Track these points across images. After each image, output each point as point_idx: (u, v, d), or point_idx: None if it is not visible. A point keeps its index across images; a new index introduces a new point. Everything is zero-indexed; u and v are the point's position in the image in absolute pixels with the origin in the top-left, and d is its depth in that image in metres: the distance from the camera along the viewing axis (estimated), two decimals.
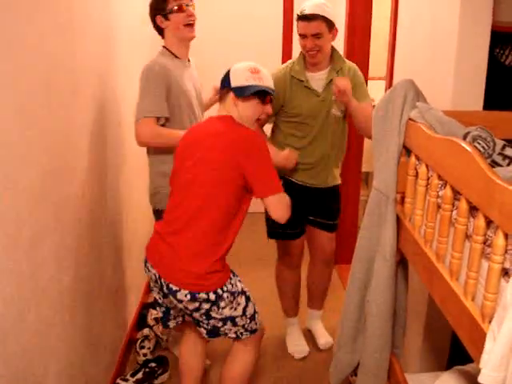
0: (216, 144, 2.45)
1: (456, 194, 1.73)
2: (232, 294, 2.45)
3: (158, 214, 3.03)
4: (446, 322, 1.81)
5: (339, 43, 4.55)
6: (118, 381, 3.17)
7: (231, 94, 2.54)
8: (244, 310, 2.51)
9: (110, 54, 3.10)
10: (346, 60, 3.27)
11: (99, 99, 2.85)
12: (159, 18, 2.96)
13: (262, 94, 2.56)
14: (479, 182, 1.52)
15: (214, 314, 2.44)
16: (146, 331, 3.56)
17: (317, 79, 3.18)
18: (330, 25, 3.02)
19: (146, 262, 2.58)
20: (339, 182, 3.48)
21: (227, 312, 2.45)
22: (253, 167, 2.40)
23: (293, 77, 3.17)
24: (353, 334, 2.55)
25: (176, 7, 2.91)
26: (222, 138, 2.46)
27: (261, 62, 2.70)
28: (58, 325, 2.26)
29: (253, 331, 2.59)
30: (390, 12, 3.41)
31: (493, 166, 1.76)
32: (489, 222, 1.53)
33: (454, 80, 2.52)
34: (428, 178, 1.97)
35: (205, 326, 2.50)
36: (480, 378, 1.40)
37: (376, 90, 4.87)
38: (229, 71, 2.58)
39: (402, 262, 2.37)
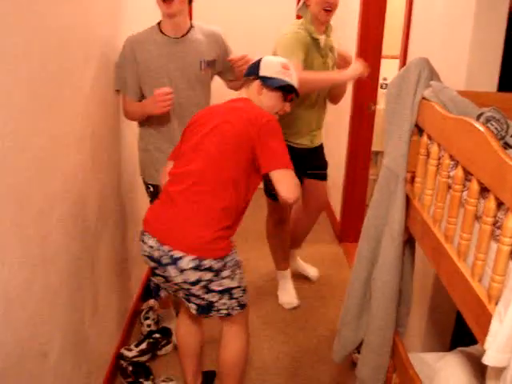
0: (232, 117, 2.48)
1: (467, 174, 1.71)
2: (235, 263, 2.46)
3: (145, 185, 3.19)
4: (450, 302, 1.81)
5: (353, 21, 4.52)
6: (122, 350, 3.20)
7: (258, 82, 2.63)
8: (240, 281, 2.51)
9: (120, 23, 3.08)
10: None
11: (111, 67, 2.85)
12: None
13: (286, 91, 2.66)
14: (491, 163, 1.51)
15: (213, 286, 2.41)
16: (151, 302, 3.59)
17: (321, 41, 3.43)
18: None
19: (142, 234, 2.49)
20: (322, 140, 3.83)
21: (227, 283, 2.44)
22: (263, 142, 2.42)
23: (311, 37, 3.35)
24: (357, 312, 2.56)
25: None
26: (238, 112, 2.51)
27: None
28: (64, 293, 2.27)
29: (243, 305, 2.58)
30: None
31: (505, 148, 1.74)
32: (499, 204, 1.52)
33: (469, 60, 2.49)
34: (439, 158, 1.95)
35: (198, 301, 2.47)
36: (485, 359, 1.40)
37: (390, 68, 4.83)
38: (260, 60, 2.68)
39: (409, 242, 2.36)
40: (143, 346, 3.27)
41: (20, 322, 1.85)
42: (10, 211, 1.74)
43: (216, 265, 2.36)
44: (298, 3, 5.45)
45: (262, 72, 2.63)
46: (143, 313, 3.50)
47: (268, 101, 2.64)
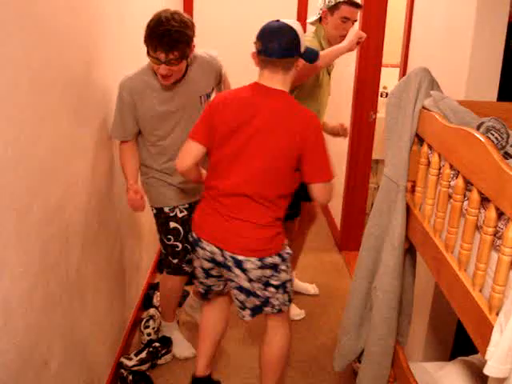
0: (276, 126, 2.38)
1: (468, 184, 1.72)
2: (288, 255, 2.58)
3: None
4: (451, 312, 1.81)
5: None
6: (122, 359, 3.19)
7: (301, 61, 2.43)
8: (290, 274, 2.62)
9: (124, 33, 3.09)
10: None
11: (112, 76, 2.85)
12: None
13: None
14: (492, 173, 1.51)
15: (272, 281, 2.53)
16: (151, 311, 3.58)
17: None
18: None
19: (197, 242, 2.60)
20: None
21: (284, 276, 2.55)
22: (310, 151, 2.39)
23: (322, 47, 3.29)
24: (358, 321, 2.56)
25: (150, 58, 2.66)
26: (282, 119, 2.40)
27: None
28: (65, 302, 2.27)
29: (291, 300, 2.70)
30: None
31: (506, 158, 1.75)
32: (500, 214, 1.53)
33: (469, 70, 2.50)
34: (440, 168, 1.95)
35: (254, 301, 2.58)
36: (486, 370, 1.40)
37: (390, 77, 4.84)
38: (294, 34, 2.36)
39: (410, 251, 2.36)
40: (143, 355, 3.26)
41: (21, 331, 1.85)
42: (11, 221, 1.74)
43: (276, 260, 2.50)
44: (298, 4, 5.52)
45: (302, 48, 2.42)
46: (143, 322, 3.49)
47: (302, 75, 2.81)
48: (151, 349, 3.31)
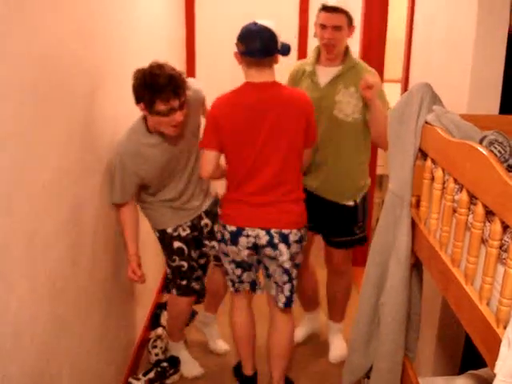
0: (288, 112, 2.73)
1: (472, 198, 1.72)
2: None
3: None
4: (459, 326, 1.81)
5: (354, 45, 4.54)
6: (130, 380, 3.19)
7: (277, 56, 2.75)
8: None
9: (126, 55, 3.11)
10: (360, 61, 3.24)
11: (117, 99, 2.87)
12: (142, 106, 2.67)
13: None
14: (496, 186, 1.51)
15: (297, 259, 2.91)
16: (158, 331, 3.58)
17: (325, 73, 3.14)
18: (350, 20, 3.04)
19: (239, 232, 2.84)
20: (349, 202, 3.29)
21: (300, 257, 2.95)
22: (309, 126, 2.80)
23: (304, 69, 3.21)
24: (366, 337, 2.55)
25: (163, 113, 2.63)
26: (288, 104, 2.74)
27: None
28: (73, 324, 2.27)
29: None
30: (406, 14, 3.40)
31: (509, 171, 1.75)
32: (505, 227, 1.53)
33: (471, 84, 2.50)
34: (444, 182, 1.96)
35: (289, 283, 2.92)
36: None
37: (392, 92, 4.85)
38: (271, 34, 2.67)
39: (416, 265, 2.36)
40: (151, 375, 3.26)
41: (30, 355, 1.85)
42: (19, 245, 1.75)
43: (303, 233, 2.89)
44: (300, 6, 5.51)
45: (279, 45, 2.73)
46: (151, 341, 3.49)
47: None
48: (159, 369, 3.30)
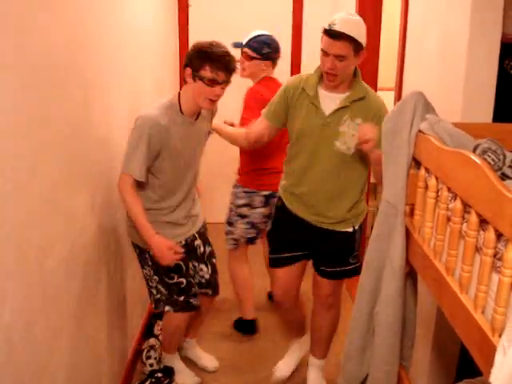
0: None
1: (466, 206, 1.72)
2: None
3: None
4: (454, 334, 1.80)
5: None
6: None
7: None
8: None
9: (120, 63, 3.11)
10: (369, 90, 2.91)
11: (109, 109, 2.86)
12: (188, 71, 2.74)
13: None
14: (489, 195, 1.51)
15: None
16: (152, 341, 3.56)
17: (329, 100, 2.81)
18: (358, 47, 2.64)
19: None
20: (348, 228, 3.02)
21: None
22: None
23: (303, 89, 2.84)
24: (361, 346, 2.54)
25: (207, 80, 2.69)
26: None
27: None
28: (66, 335, 2.26)
29: None
30: (400, 22, 3.41)
31: (503, 179, 1.76)
32: (499, 235, 1.53)
33: (464, 92, 2.52)
34: (438, 191, 1.96)
35: None
36: None
37: (386, 100, 4.86)
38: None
39: (411, 274, 2.36)
40: None
41: (22, 365, 1.84)
42: (12, 253, 1.74)
43: None
44: (293, 5, 5.53)
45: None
46: (144, 352, 3.47)
47: None
48: (153, 379, 3.28)
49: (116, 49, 3.00)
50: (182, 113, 2.84)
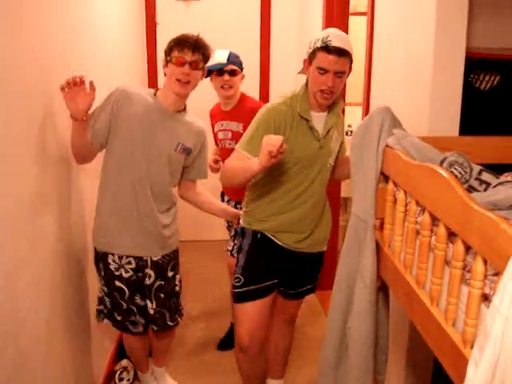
0: None
1: (434, 219, 1.73)
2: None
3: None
4: (427, 347, 1.81)
5: None
6: None
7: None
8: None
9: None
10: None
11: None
12: (164, 61, 2.78)
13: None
14: (457, 207, 1.53)
15: None
16: (124, 362, 3.51)
17: (318, 120, 2.71)
18: (351, 62, 2.62)
19: None
20: (324, 247, 3.02)
21: None
22: None
23: (300, 116, 2.65)
24: (335, 362, 2.53)
25: (174, 59, 2.70)
26: None
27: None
28: (36, 357, 2.22)
29: None
30: (366, 38, 3.44)
31: (470, 192, 1.77)
32: (468, 248, 1.54)
33: (430, 106, 2.54)
34: (406, 204, 1.97)
35: None
36: None
37: (353, 115, 4.91)
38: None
39: (382, 288, 2.37)
40: None
41: None
42: None
43: None
44: (261, 12, 5.56)
45: None
46: (117, 374, 3.43)
47: None
48: None
49: (83, 69, 2.98)
50: (154, 95, 2.85)
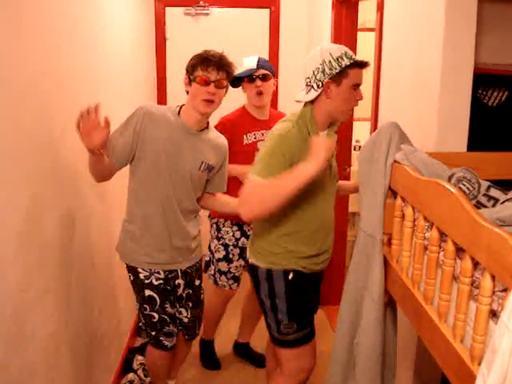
0: None
1: (442, 235, 1.73)
2: None
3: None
4: (435, 363, 1.80)
5: None
6: None
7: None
8: None
9: (97, 99, 3.11)
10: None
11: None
12: (186, 79, 2.74)
13: None
14: (465, 223, 1.52)
15: None
16: (130, 376, 3.51)
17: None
18: None
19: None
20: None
21: None
22: None
23: (309, 135, 2.49)
24: (342, 377, 2.52)
25: (199, 78, 2.65)
26: None
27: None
28: (42, 371, 2.22)
29: None
30: (374, 54, 3.45)
31: (478, 207, 1.77)
32: (476, 264, 1.54)
33: (438, 122, 2.54)
34: (414, 220, 1.97)
35: None
36: None
37: (362, 130, 4.91)
38: None
39: (390, 304, 2.36)
40: None
41: None
42: None
43: None
44: (270, 27, 5.55)
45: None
46: None
47: None
48: None
49: (94, 83, 3.00)
50: (178, 114, 2.78)
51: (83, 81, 2.81)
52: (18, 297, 1.96)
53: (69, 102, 2.57)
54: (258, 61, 3.41)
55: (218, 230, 3.60)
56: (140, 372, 3.53)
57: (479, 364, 1.46)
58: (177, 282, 2.94)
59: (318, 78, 2.45)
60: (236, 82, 3.20)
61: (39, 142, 2.19)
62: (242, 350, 4.04)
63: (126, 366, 3.68)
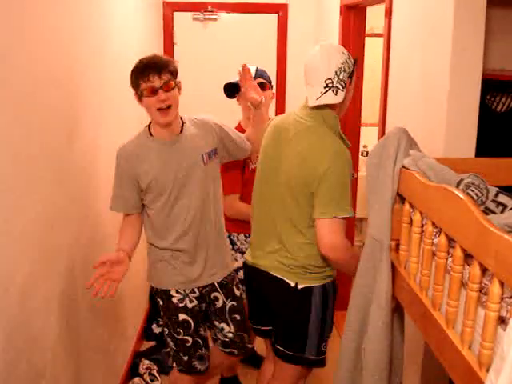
0: None
1: (451, 241, 1.73)
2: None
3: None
4: (442, 369, 1.79)
5: None
6: None
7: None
8: None
9: (104, 101, 3.12)
10: None
11: (94, 145, 2.86)
12: (136, 96, 2.62)
13: None
14: (473, 229, 1.52)
15: None
16: (136, 380, 3.51)
17: None
18: None
19: None
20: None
21: None
22: None
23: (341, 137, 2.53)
24: (349, 382, 2.51)
25: (145, 91, 2.54)
26: None
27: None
28: (49, 375, 2.22)
29: None
30: (382, 59, 3.46)
31: (486, 213, 1.77)
32: (484, 270, 1.53)
33: (446, 127, 2.54)
34: (422, 226, 1.96)
35: None
36: None
37: (369, 135, 4.91)
38: None
39: (397, 309, 2.35)
40: None
41: None
42: None
43: None
44: (278, 32, 5.54)
45: None
46: None
47: None
48: None
49: (102, 88, 3.01)
50: (151, 135, 2.67)
51: (91, 85, 2.82)
52: (25, 299, 1.96)
53: (78, 108, 2.58)
54: (256, 70, 3.27)
55: (233, 244, 3.37)
56: (146, 376, 3.53)
57: (487, 371, 1.46)
58: (212, 295, 2.87)
59: (341, 77, 2.39)
60: (230, 92, 3.10)
61: (47, 146, 2.20)
62: None
63: (132, 371, 3.68)
